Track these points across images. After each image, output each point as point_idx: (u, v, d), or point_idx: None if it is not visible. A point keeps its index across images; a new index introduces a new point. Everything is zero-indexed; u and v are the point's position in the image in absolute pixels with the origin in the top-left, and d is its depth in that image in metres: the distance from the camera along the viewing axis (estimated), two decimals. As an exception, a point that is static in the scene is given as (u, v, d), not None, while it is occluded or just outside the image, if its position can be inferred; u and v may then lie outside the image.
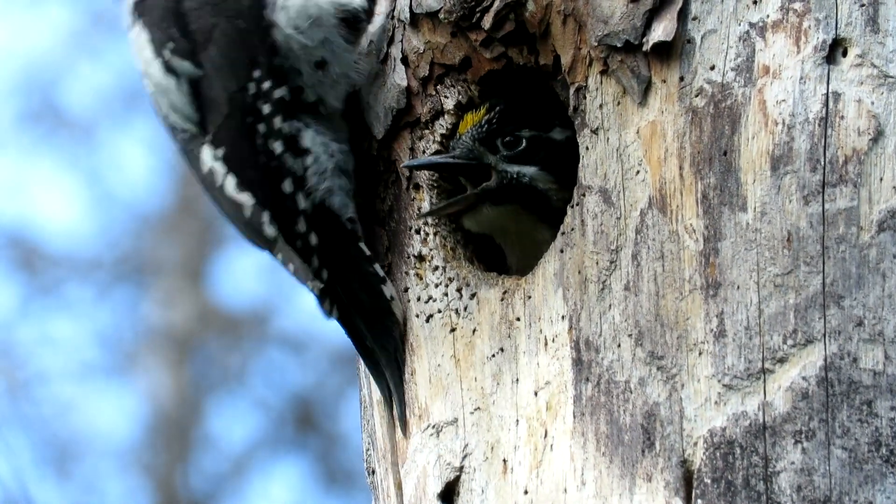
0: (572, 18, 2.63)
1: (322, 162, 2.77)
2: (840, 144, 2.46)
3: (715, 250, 2.49)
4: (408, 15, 2.78)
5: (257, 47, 2.78)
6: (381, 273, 2.76)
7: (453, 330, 2.70)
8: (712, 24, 2.54)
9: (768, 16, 2.51)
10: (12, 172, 10.75)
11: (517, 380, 2.62)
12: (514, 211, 2.80)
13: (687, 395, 2.46)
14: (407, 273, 2.77)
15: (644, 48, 2.57)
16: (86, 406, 9.38)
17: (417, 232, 2.78)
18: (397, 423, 2.74)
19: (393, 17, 2.81)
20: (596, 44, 2.60)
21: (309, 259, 2.74)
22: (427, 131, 2.80)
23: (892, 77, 2.46)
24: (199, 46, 2.81)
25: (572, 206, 2.61)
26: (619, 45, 2.58)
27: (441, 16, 2.74)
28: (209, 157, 2.79)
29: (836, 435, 2.39)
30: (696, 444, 2.44)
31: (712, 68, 2.53)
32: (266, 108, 2.76)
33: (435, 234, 2.78)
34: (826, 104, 2.47)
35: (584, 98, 2.62)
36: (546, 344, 2.59)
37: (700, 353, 2.47)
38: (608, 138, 2.59)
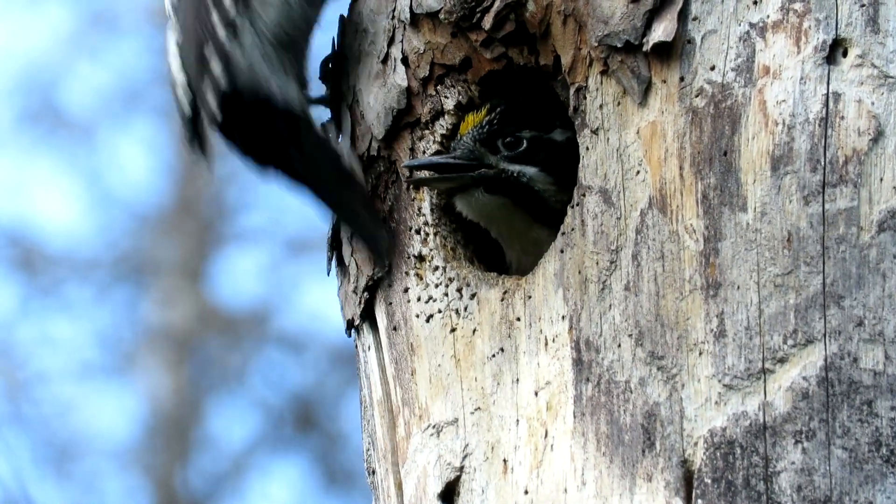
0: (572, 19, 2.63)
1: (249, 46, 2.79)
2: (840, 145, 2.46)
3: (715, 250, 2.49)
4: (408, 15, 2.78)
5: None
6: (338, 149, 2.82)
7: (453, 330, 2.70)
8: (712, 25, 2.54)
9: (768, 16, 2.51)
10: (12, 172, 10.75)
11: (517, 380, 2.62)
12: (507, 205, 2.80)
13: (687, 395, 2.46)
14: (407, 273, 2.77)
15: (644, 48, 2.57)
16: (85, 406, 9.38)
17: (417, 232, 2.78)
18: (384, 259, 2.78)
19: (393, 18, 2.81)
20: (596, 44, 2.60)
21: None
22: (427, 131, 2.80)
23: (892, 77, 2.46)
24: None
25: (572, 207, 2.61)
26: (619, 46, 2.58)
27: (441, 16, 2.74)
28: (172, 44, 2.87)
29: (837, 435, 2.39)
30: (696, 444, 2.44)
31: (712, 68, 2.53)
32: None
33: (435, 234, 2.78)
34: (826, 104, 2.47)
35: (585, 98, 2.62)
36: (546, 344, 2.59)
37: (700, 353, 2.47)
38: (608, 138, 2.59)
